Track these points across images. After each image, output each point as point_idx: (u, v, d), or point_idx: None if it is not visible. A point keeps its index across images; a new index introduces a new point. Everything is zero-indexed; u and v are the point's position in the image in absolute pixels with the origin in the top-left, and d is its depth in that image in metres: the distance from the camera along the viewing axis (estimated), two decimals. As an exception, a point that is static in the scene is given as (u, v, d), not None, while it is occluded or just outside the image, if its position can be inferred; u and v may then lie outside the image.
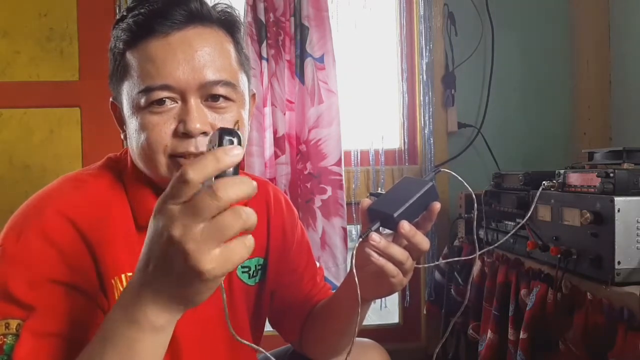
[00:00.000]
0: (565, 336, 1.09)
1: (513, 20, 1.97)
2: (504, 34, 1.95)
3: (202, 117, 0.71)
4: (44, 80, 1.78)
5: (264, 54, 1.70)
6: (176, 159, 0.71)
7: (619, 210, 1.02)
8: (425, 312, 1.88)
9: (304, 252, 1.01)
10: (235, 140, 0.52)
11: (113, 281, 0.72)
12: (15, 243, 0.69)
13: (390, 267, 0.72)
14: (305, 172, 1.72)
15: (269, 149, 1.71)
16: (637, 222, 1.03)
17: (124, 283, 0.73)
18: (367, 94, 1.90)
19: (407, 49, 1.94)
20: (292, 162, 1.75)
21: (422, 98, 1.91)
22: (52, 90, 1.79)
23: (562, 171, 1.23)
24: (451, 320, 1.64)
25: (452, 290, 1.64)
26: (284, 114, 1.72)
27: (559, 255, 1.14)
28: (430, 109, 1.90)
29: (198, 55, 0.71)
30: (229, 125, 0.73)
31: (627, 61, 1.87)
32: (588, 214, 1.07)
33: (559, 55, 2.01)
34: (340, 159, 1.73)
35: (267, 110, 1.72)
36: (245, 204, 0.63)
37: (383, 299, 1.91)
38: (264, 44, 1.70)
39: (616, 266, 1.02)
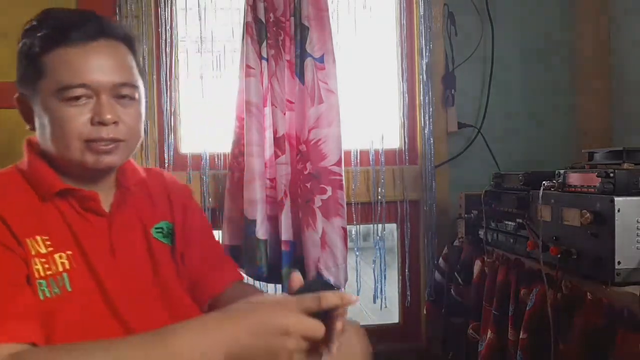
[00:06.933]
0: (565, 336, 1.09)
1: (513, 20, 1.97)
2: (504, 34, 1.95)
3: (113, 110, 0.89)
4: (44, 80, 1.78)
5: (264, 54, 1.70)
6: (90, 143, 0.88)
7: (619, 210, 1.02)
8: (425, 312, 1.88)
9: (198, 221, 1.11)
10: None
11: (28, 241, 0.84)
12: None
13: None
14: (305, 172, 1.72)
15: (269, 149, 1.71)
16: (637, 222, 1.03)
17: (39, 244, 0.85)
18: (367, 94, 1.90)
19: (407, 49, 1.94)
20: (292, 162, 1.74)
21: (422, 98, 1.91)
22: (52, 91, 1.78)
23: (562, 171, 1.23)
24: (451, 320, 1.65)
25: (452, 290, 1.64)
26: (284, 114, 1.72)
27: (559, 255, 1.14)
28: (430, 109, 1.90)
29: (110, 62, 0.90)
30: (132, 118, 0.92)
31: (627, 61, 1.87)
32: (588, 214, 1.07)
33: (559, 55, 2.01)
34: (340, 159, 1.73)
35: (267, 110, 1.71)
36: (143, 181, 1.03)
37: (383, 298, 1.92)
38: (264, 44, 1.70)
39: (616, 266, 1.02)
